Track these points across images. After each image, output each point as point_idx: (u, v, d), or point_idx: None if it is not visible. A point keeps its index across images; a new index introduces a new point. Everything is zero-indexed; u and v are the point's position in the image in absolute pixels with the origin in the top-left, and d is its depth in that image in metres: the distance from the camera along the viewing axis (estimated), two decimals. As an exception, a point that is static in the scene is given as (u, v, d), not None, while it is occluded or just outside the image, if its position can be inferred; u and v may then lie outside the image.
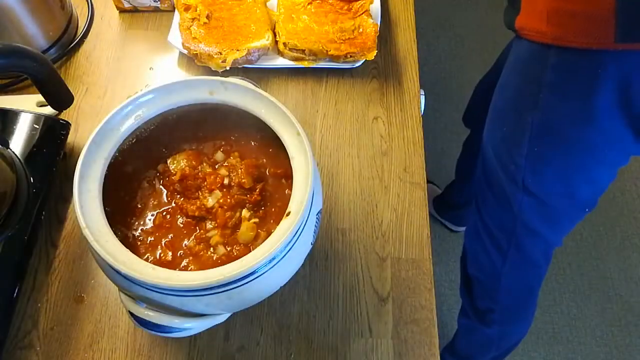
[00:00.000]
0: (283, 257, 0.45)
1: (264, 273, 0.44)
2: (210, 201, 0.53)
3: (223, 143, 0.57)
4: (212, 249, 0.51)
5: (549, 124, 0.67)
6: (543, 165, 0.71)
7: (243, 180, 0.53)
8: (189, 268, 0.50)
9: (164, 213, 0.53)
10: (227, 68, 0.73)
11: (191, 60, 0.76)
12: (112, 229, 0.44)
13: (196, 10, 0.75)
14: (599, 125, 0.63)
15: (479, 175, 0.86)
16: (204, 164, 0.55)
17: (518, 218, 0.78)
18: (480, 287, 0.97)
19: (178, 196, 0.54)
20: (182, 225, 0.53)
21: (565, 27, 0.60)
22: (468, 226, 0.99)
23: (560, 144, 0.68)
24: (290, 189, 0.47)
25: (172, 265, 0.50)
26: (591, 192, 0.75)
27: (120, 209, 0.52)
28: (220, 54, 0.72)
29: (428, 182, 1.41)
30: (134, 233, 0.52)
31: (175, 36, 0.75)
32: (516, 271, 0.89)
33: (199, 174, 0.54)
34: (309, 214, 0.46)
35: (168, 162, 0.55)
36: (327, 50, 0.73)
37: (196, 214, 0.52)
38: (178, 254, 0.51)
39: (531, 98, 0.67)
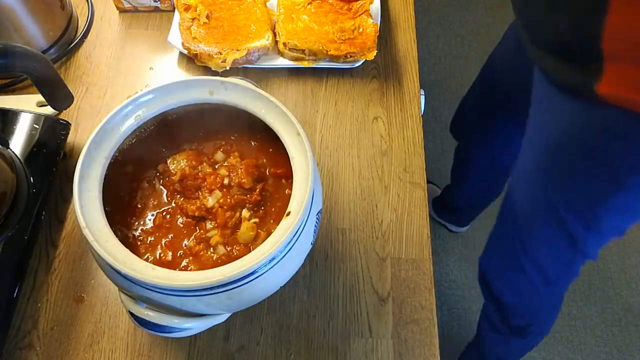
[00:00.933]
0: (283, 257, 0.45)
1: (264, 273, 0.44)
2: (210, 201, 0.53)
3: (223, 143, 0.57)
4: (212, 249, 0.51)
5: None
6: (624, 212, 0.71)
7: (243, 180, 0.53)
8: (189, 268, 0.50)
9: (164, 213, 0.53)
10: (227, 68, 0.73)
11: (191, 60, 0.76)
12: (112, 229, 0.44)
13: (196, 10, 0.75)
14: None
15: (516, 214, 0.83)
16: (204, 164, 0.55)
17: (581, 252, 0.79)
18: (517, 309, 0.98)
19: (178, 196, 0.54)
20: (182, 225, 0.53)
21: None
22: (489, 256, 0.97)
23: None
24: (290, 189, 0.47)
25: (172, 265, 0.50)
26: None
27: (120, 209, 0.52)
28: (220, 54, 0.72)
29: (428, 182, 1.41)
30: (134, 233, 0.52)
31: (175, 36, 0.75)
32: (561, 288, 0.93)
33: (199, 174, 0.54)
34: (309, 214, 0.46)
35: (168, 162, 0.55)
36: (327, 50, 0.73)
37: (196, 214, 0.52)
38: (178, 254, 0.51)
39: (631, 162, 0.64)
